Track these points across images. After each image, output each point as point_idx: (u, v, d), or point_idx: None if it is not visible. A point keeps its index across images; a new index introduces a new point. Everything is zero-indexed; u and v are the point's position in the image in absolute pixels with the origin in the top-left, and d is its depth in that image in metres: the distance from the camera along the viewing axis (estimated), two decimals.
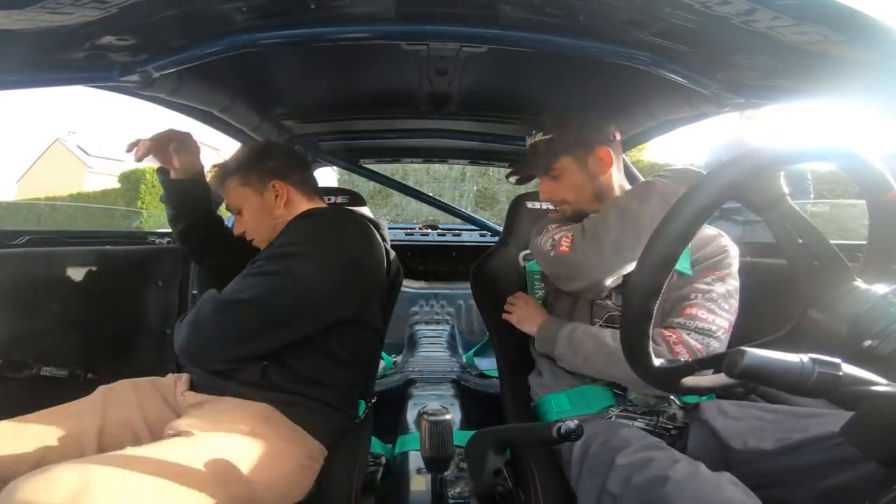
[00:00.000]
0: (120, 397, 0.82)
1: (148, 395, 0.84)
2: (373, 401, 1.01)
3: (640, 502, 0.58)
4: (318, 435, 0.82)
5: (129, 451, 0.63)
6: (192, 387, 0.86)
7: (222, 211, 1.20)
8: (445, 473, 0.80)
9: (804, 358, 0.37)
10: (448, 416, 0.74)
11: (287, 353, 0.84)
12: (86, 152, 22.16)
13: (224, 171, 1.00)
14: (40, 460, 0.67)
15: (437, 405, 1.41)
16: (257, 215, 0.97)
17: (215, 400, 0.81)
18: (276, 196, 0.96)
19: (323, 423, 0.84)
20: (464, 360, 1.92)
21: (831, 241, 0.49)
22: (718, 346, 0.79)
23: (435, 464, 0.75)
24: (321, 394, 0.85)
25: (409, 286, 2.41)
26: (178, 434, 0.70)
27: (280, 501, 0.74)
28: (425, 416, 0.74)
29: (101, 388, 0.83)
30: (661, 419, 0.82)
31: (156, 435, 0.77)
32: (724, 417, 0.75)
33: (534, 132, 0.92)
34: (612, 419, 0.82)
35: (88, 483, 0.54)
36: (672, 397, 0.83)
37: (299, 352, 0.84)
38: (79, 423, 0.75)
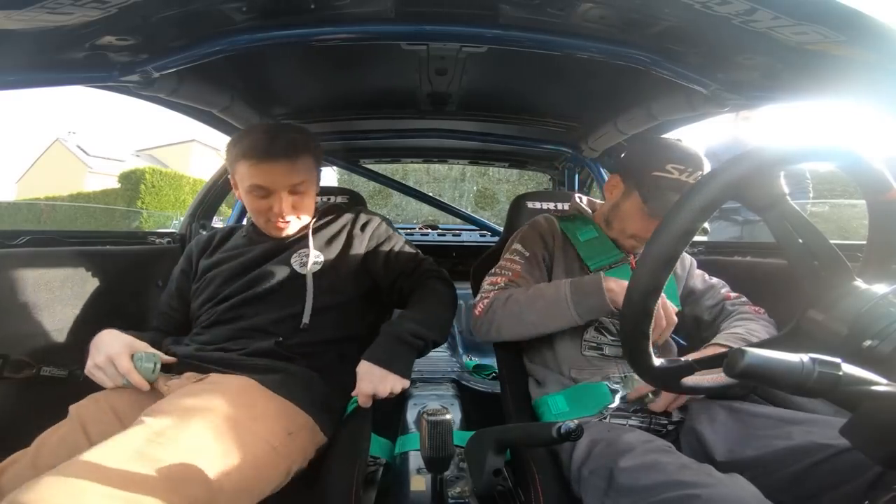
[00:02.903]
0: (94, 413, 0.74)
1: (120, 403, 0.76)
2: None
3: None
4: (303, 405, 0.78)
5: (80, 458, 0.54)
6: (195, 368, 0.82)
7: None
8: (445, 473, 0.79)
9: (804, 358, 0.37)
10: (448, 416, 0.73)
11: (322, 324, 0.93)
12: (86, 152, 22.12)
13: (295, 143, 0.90)
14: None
15: (437, 405, 1.41)
16: (313, 198, 1.00)
17: (194, 378, 0.77)
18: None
19: (307, 392, 0.81)
20: (464, 361, 1.92)
21: (831, 241, 0.49)
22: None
23: (435, 464, 0.74)
24: (312, 362, 0.88)
25: None
26: (136, 425, 0.61)
27: (256, 488, 0.66)
28: (425, 416, 0.73)
29: (72, 408, 0.74)
30: (655, 415, 0.82)
31: None
32: (713, 424, 0.75)
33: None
34: (608, 419, 0.82)
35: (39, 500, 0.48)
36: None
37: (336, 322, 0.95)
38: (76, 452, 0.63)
